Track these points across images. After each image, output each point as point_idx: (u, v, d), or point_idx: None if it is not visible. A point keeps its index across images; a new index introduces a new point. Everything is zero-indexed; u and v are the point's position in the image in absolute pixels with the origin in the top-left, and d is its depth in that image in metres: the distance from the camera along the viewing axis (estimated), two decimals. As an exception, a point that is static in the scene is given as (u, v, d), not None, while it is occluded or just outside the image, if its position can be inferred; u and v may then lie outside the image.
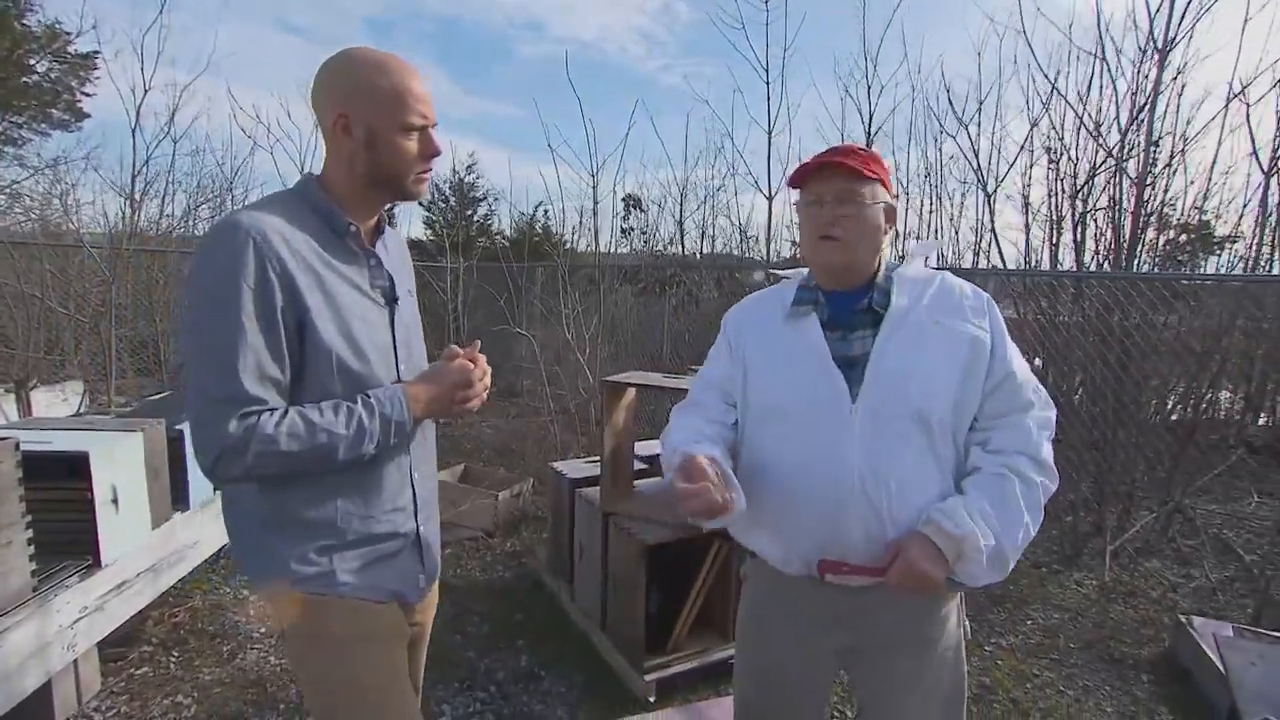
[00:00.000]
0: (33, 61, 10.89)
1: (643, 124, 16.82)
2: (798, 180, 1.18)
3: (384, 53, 1.00)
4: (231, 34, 15.80)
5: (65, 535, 2.10)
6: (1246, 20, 4.05)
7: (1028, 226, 4.55)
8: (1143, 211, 3.89)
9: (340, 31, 36.38)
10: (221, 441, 0.88)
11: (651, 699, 2.22)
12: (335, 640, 1.02)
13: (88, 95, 11.83)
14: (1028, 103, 4.53)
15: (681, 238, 7.61)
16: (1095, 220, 4.27)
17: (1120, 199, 3.99)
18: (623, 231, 9.18)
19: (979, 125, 5.40)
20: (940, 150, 5.57)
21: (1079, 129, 4.04)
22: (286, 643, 1.09)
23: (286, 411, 0.93)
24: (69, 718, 2.06)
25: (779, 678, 1.27)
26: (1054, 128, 4.35)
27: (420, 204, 14.49)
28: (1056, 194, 4.27)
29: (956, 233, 5.90)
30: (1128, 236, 3.76)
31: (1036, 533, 1.10)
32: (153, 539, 2.44)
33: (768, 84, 5.55)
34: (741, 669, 1.36)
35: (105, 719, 2.09)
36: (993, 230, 3.96)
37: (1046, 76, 3.99)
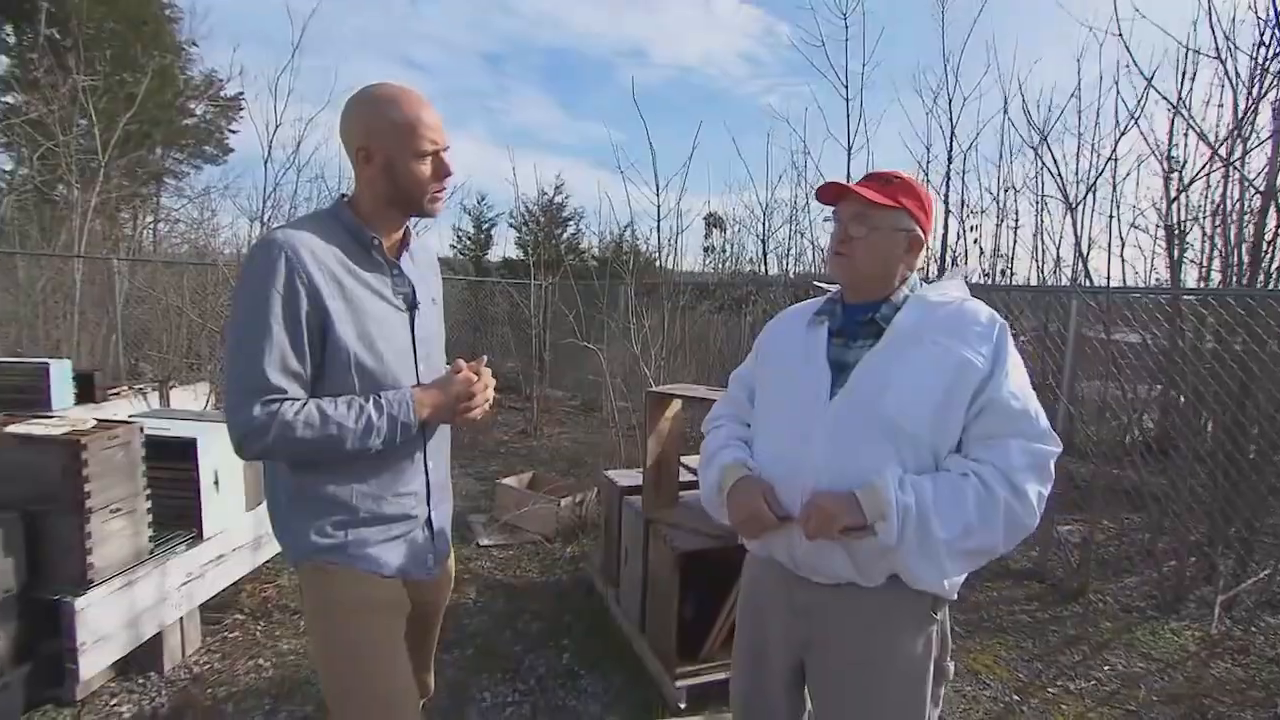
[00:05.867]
0: (192, 106, 12.54)
1: (730, 144, 16.90)
2: (822, 199, 1.25)
3: (399, 87, 1.15)
4: (362, 71, 17.42)
5: (175, 509, 2.43)
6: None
7: (1110, 241, 4.18)
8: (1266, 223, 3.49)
9: (458, 66, 39.09)
10: (248, 423, 1.04)
11: (682, 705, 2.25)
12: (340, 608, 1.16)
13: (233, 133, 13.46)
14: (1138, 111, 4.19)
15: (764, 257, 7.58)
16: (1221, 235, 3.87)
17: (1242, 210, 3.60)
18: (705, 250, 9.25)
19: (1079, 135, 5.06)
20: (1037, 160, 5.23)
21: (1186, 134, 3.69)
22: (304, 609, 1.23)
23: (306, 402, 1.08)
24: (174, 666, 2.37)
25: (756, 660, 1.31)
26: (1151, 134, 4.01)
27: (511, 224, 15.24)
28: (1179, 207, 3.88)
29: (1044, 250, 5.52)
30: (1247, 251, 3.38)
31: (992, 546, 1.08)
32: (247, 520, 2.76)
33: (847, 101, 5.49)
34: (734, 649, 1.41)
35: (201, 671, 2.38)
36: (1076, 244, 3.69)
37: (1143, 75, 3.67)
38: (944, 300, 1.18)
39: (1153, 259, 3.86)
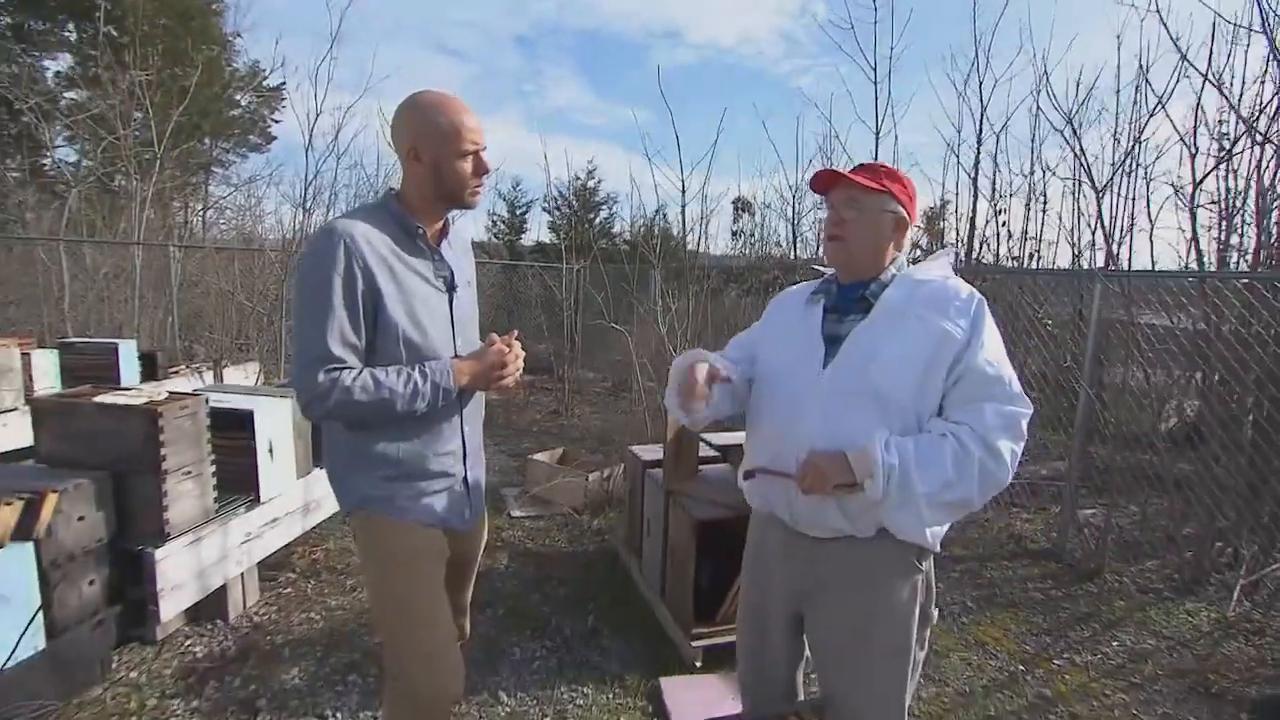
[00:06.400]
0: (238, 97, 12.98)
1: (761, 128, 16.73)
2: (816, 188, 1.37)
3: (443, 94, 1.30)
4: (397, 56, 17.72)
5: (235, 475, 2.66)
6: None
7: (1130, 224, 4.12)
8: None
9: (491, 51, 39.25)
10: (313, 389, 1.21)
11: (698, 664, 2.40)
12: (389, 552, 1.33)
13: (275, 122, 13.91)
14: (1169, 89, 4.10)
15: (794, 241, 7.61)
16: (1256, 214, 3.79)
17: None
18: (733, 234, 9.30)
19: (1116, 117, 4.95)
20: (1067, 143, 5.15)
21: (1225, 115, 3.62)
22: (358, 553, 1.41)
23: (362, 371, 1.24)
24: (237, 616, 2.62)
25: (759, 612, 1.45)
26: (1200, 113, 3.92)
27: (544, 209, 15.45)
28: (1226, 179, 3.76)
29: (1079, 234, 5.44)
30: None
31: (967, 499, 1.19)
32: (298, 487, 2.99)
33: (875, 84, 5.47)
34: (739, 605, 1.54)
35: (260, 621, 2.62)
36: (1102, 227, 3.66)
37: (1177, 48, 3.59)
38: (928, 278, 1.29)
39: (1197, 241, 3.80)
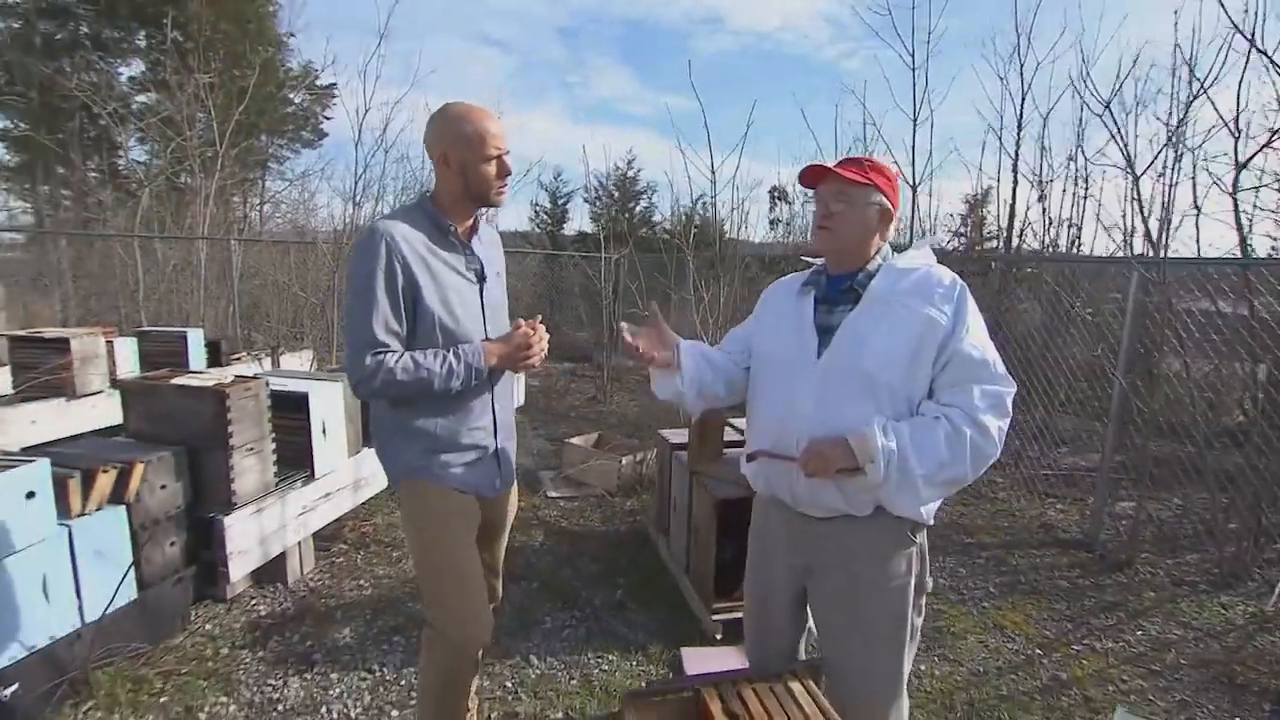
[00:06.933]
0: (291, 95, 13.54)
1: (801, 115, 16.50)
2: (805, 183, 1.44)
3: (470, 105, 1.44)
4: (440, 49, 18.09)
5: (292, 452, 2.90)
6: None
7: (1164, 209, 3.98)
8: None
9: (534, 42, 39.49)
10: (361, 370, 1.37)
11: (718, 637, 2.53)
12: (427, 514, 1.50)
13: (327, 119, 14.45)
14: (1218, 64, 3.94)
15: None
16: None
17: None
18: (770, 223, 9.27)
19: (1172, 99, 4.76)
20: (1113, 124, 4.99)
21: None
22: (401, 515, 1.58)
23: (403, 354, 1.40)
24: (294, 581, 2.87)
25: (764, 588, 1.55)
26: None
27: (585, 199, 15.62)
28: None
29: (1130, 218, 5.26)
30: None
31: (961, 476, 1.27)
32: (349, 464, 3.23)
33: (913, 70, 5.41)
34: (745, 582, 1.65)
35: (316, 586, 2.86)
36: (1140, 213, 3.56)
37: (1232, 22, 3.45)
38: (911, 266, 1.36)
39: (1240, 227, 3.67)
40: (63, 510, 2.03)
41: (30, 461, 1.94)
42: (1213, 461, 3.49)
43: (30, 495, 1.89)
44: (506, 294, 1.69)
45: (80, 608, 2.05)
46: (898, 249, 1.46)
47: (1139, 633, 2.73)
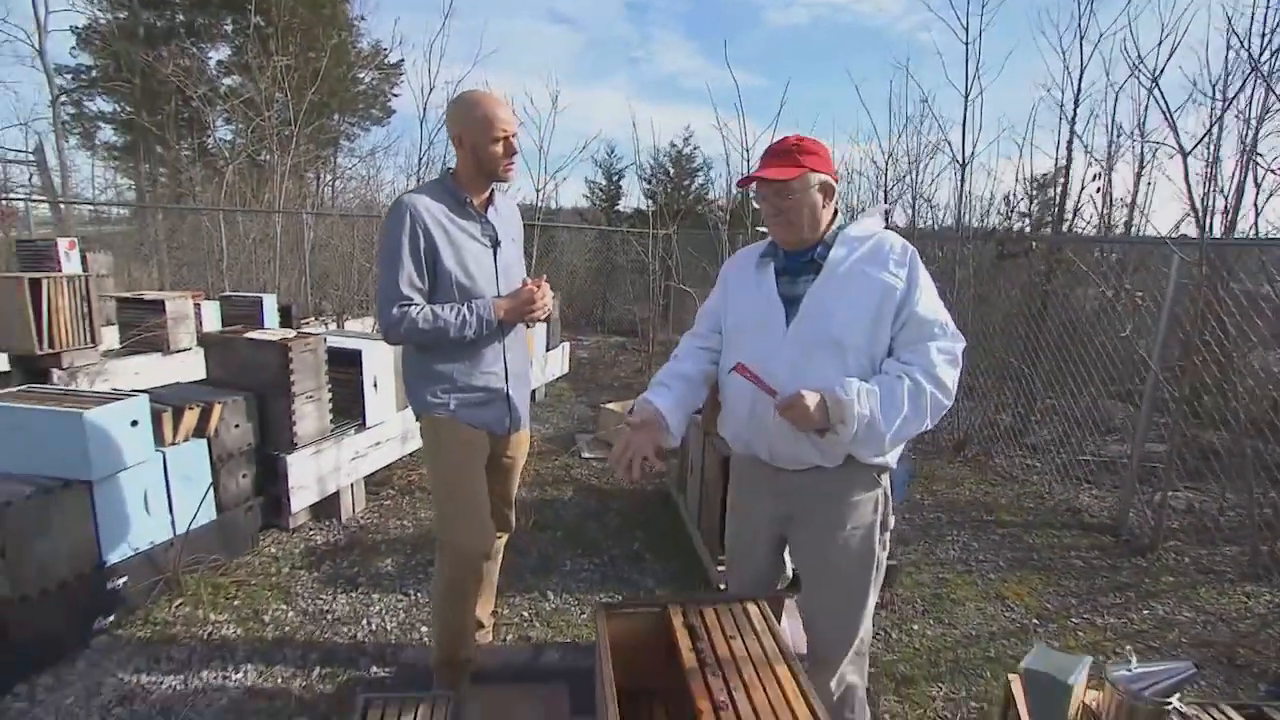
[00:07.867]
0: (361, 75, 14.16)
1: (868, 92, 15.92)
2: (741, 186, 1.58)
3: (482, 92, 1.65)
4: (510, 27, 18.37)
5: (346, 403, 3.24)
6: None
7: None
8: None
9: (602, 17, 39.37)
10: (389, 319, 1.62)
11: (722, 586, 2.71)
12: (442, 442, 1.75)
13: (395, 96, 15.03)
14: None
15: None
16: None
17: None
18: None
19: (1261, 75, 4.47)
20: (1162, 100, 4.74)
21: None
22: (423, 446, 1.83)
23: (424, 307, 1.64)
24: (347, 518, 3.22)
25: (746, 537, 1.71)
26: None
27: (639, 176, 15.71)
28: None
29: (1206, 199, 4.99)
30: None
31: (920, 427, 1.40)
32: (398, 417, 3.56)
33: (966, 45, 5.25)
34: (727, 533, 1.81)
35: (365, 523, 3.21)
36: (1189, 195, 3.42)
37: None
38: (864, 234, 1.48)
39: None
40: (158, 439, 2.40)
41: (134, 395, 2.31)
42: (1255, 453, 3.39)
43: (134, 423, 2.26)
44: (522, 258, 1.90)
45: (172, 521, 2.43)
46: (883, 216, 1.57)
47: (1145, 612, 2.75)
